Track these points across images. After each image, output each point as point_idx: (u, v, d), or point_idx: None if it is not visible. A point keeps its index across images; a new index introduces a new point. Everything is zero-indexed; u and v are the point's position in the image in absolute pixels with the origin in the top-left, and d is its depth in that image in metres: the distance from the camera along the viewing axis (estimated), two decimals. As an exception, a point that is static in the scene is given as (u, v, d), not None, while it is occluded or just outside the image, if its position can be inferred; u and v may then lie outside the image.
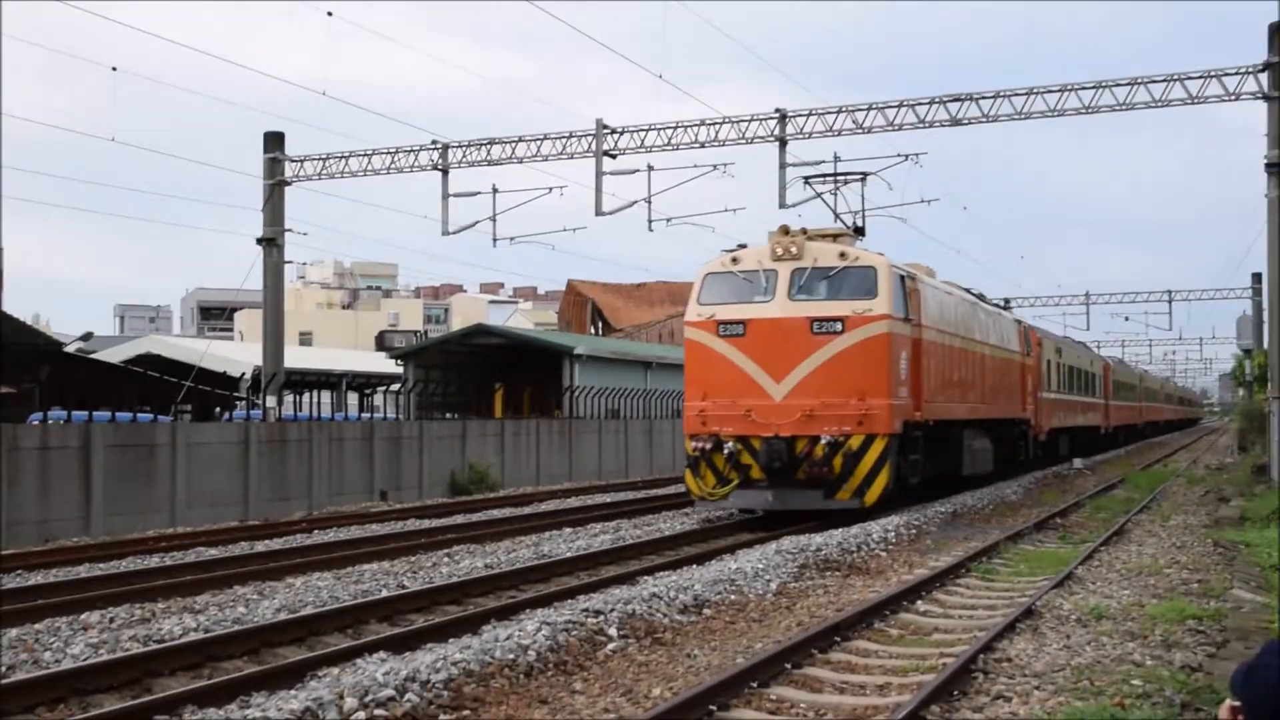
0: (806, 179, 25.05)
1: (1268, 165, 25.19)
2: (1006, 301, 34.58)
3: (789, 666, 9.11)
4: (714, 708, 7.82)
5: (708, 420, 19.61)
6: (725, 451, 19.29)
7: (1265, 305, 32.14)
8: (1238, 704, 2.65)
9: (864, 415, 18.89)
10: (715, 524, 20.41)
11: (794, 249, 19.78)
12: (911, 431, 20.36)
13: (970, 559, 15.13)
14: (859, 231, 23.41)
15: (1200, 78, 25.82)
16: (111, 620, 11.55)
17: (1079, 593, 12.46)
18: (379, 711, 7.63)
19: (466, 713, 7.96)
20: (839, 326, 19.27)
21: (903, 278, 20.56)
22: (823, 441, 18.79)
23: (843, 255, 19.93)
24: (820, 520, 18.64)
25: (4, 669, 9.51)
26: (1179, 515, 21.38)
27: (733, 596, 12.16)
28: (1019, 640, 9.97)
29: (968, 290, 27.74)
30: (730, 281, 20.33)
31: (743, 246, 21.35)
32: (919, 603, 12.23)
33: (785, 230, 20.47)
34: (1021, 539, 17.78)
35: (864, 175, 24.38)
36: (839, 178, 24.88)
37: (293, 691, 8.12)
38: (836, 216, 24.33)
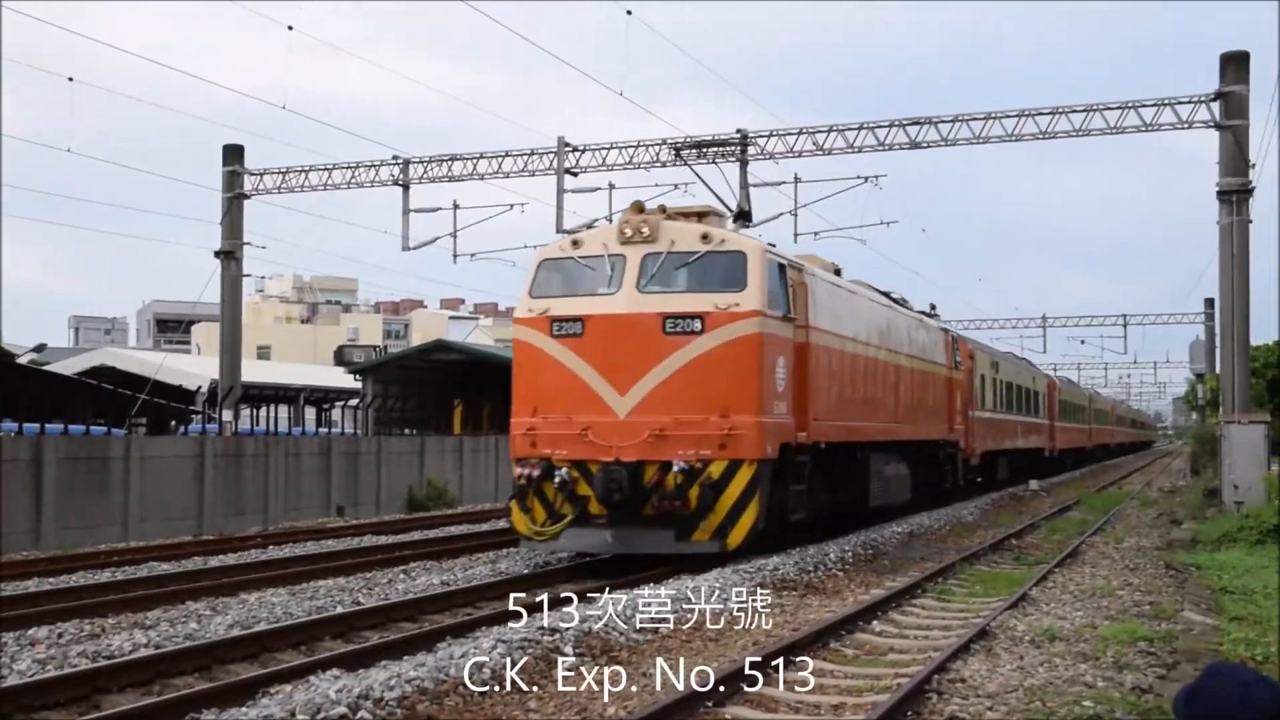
0: (676, 149, 20.06)
1: (1219, 193, 25.52)
2: (933, 307, 30.75)
3: (745, 686, 9.09)
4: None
5: (538, 441, 15.94)
6: (557, 479, 15.66)
7: (1218, 330, 32.43)
8: None
9: (727, 436, 15.29)
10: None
11: (645, 229, 16.03)
12: (795, 456, 16.84)
13: (926, 579, 15.16)
14: (744, 216, 19.31)
15: (1154, 105, 26.17)
16: (60, 635, 11.40)
17: (1033, 614, 12.51)
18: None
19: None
20: (697, 325, 15.59)
21: (783, 267, 16.91)
22: (675, 469, 15.21)
23: (705, 237, 16.10)
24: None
25: (-51, 684, 9.38)
26: (1132, 537, 21.52)
27: (689, 615, 12.11)
28: (973, 661, 10.00)
29: (887, 294, 24.60)
30: (569, 269, 16.60)
31: (591, 227, 18.50)
32: (875, 623, 12.22)
33: (639, 207, 16.70)
34: (977, 560, 17.82)
35: (744, 143, 19.18)
36: (714, 148, 20.16)
37: (244, 709, 8.05)
38: (711, 190, 20.67)
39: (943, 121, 27.53)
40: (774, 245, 17.58)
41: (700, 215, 17.32)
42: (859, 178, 30.85)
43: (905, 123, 27.79)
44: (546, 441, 15.92)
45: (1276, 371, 52.11)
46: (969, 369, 30.96)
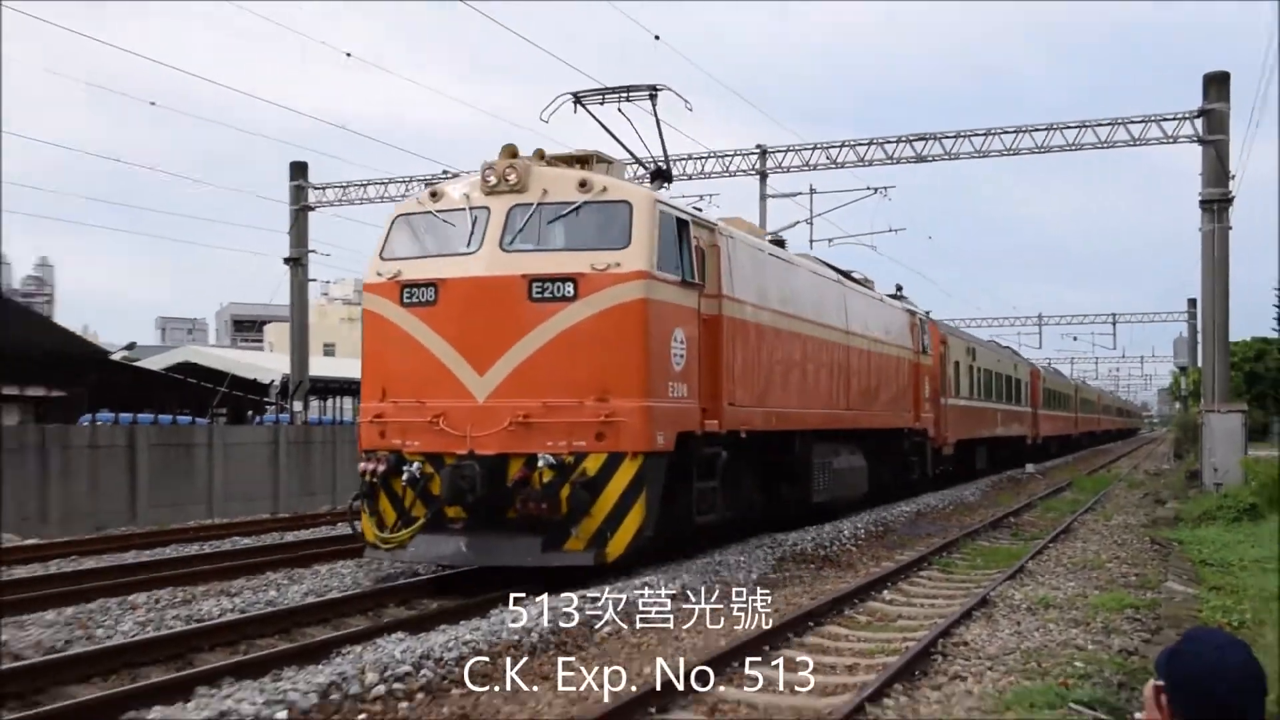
0: (576, 96, 14.47)
1: (1202, 202, 25.37)
2: (899, 289, 26.38)
3: (767, 648, 9.16)
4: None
5: (387, 430, 12.22)
6: (405, 475, 11.96)
7: (1199, 328, 32.24)
8: (1161, 684, 2.72)
9: (604, 424, 11.52)
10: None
11: (513, 176, 12.15)
12: (704, 447, 13.05)
13: (932, 554, 15.16)
14: (661, 175, 14.77)
15: (1141, 122, 26.02)
16: (157, 601, 11.55)
17: (1029, 584, 12.53)
18: (397, 685, 7.68)
19: (479, 683, 7.99)
20: (569, 289, 11.70)
21: (683, 223, 12.90)
22: (542, 464, 11.41)
23: (583, 185, 12.12)
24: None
25: (63, 643, 9.57)
26: (1120, 515, 21.45)
27: (717, 585, 12.17)
28: (974, 626, 10.03)
29: (847, 273, 21.08)
30: (427, 226, 12.70)
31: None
32: (885, 592, 12.26)
33: (511, 151, 12.68)
34: (978, 536, 17.81)
35: (654, 91, 14.20)
36: (621, 92, 14.47)
37: (320, 666, 8.16)
38: (620, 142, 15.00)
39: (946, 137, 27.48)
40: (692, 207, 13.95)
41: (583, 161, 13.22)
42: (869, 189, 31.08)
43: (911, 138, 27.76)
44: (396, 431, 12.18)
45: (1253, 365, 51.69)
46: (940, 354, 27.04)
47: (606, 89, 14.44)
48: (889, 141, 27.93)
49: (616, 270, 11.73)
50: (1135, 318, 63.10)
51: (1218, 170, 25.16)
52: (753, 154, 29.51)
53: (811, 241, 31.41)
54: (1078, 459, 51.44)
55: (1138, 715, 3.02)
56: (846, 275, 20.87)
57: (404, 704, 7.48)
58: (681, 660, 8.14)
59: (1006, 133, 27.05)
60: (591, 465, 11.56)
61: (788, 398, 15.81)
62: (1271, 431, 54.19)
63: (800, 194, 32.00)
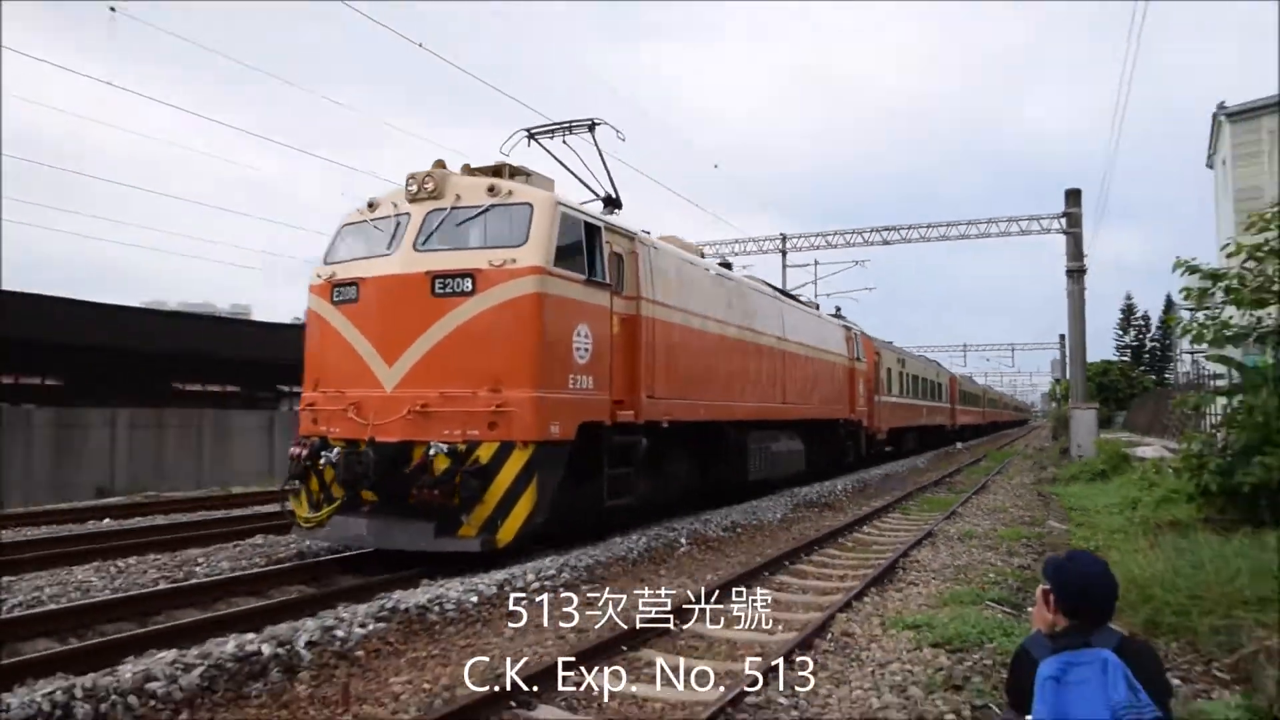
0: (529, 132, 10.83)
1: (1067, 271, 25.05)
2: (838, 309, 23.08)
3: (787, 563, 8.96)
4: (743, 587, 7.70)
5: (318, 417, 8.81)
6: (323, 460, 8.47)
7: (1067, 353, 31.35)
8: (1048, 587, 2.62)
9: (496, 414, 8.07)
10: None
11: (430, 184, 8.94)
12: (617, 436, 9.39)
13: (895, 502, 14.74)
14: (612, 202, 10.86)
15: (1028, 219, 25.73)
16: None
17: (959, 522, 12.12)
18: (547, 582, 7.62)
19: (597, 583, 7.90)
20: (468, 284, 8.32)
21: (594, 228, 9.24)
22: (434, 451, 8.04)
23: (492, 190, 8.80)
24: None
25: (325, 551, 9.65)
26: (1018, 477, 20.72)
27: (755, 522, 11.96)
28: (923, 550, 9.73)
29: (794, 296, 17.96)
30: (363, 233, 9.28)
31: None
32: (864, 527, 11.94)
33: (438, 164, 9.25)
34: (926, 490, 17.30)
35: (593, 124, 10.63)
36: (565, 126, 10.79)
37: (497, 572, 8.08)
38: (566, 168, 10.93)
39: (903, 228, 27.40)
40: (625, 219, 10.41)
41: (497, 171, 9.54)
42: (854, 261, 30.62)
43: (880, 229, 27.69)
44: (324, 418, 8.77)
45: (1101, 378, 49.62)
46: (874, 362, 22.71)
47: (554, 124, 10.89)
48: (864, 231, 27.89)
49: (512, 266, 8.30)
50: (1026, 346, 62.41)
51: (1075, 251, 24.74)
52: (776, 239, 29.39)
53: (816, 296, 30.98)
54: (987, 440, 49.92)
55: (1029, 609, 2.92)
56: (791, 296, 17.36)
57: (547, 594, 7.40)
58: (741, 568, 7.97)
59: (941, 225, 26.85)
60: (484, 453, 8.08)
61: (716, 392, 11.85)
62: (1114, 422, 52.25)
63: (808, 265, 31.76)
